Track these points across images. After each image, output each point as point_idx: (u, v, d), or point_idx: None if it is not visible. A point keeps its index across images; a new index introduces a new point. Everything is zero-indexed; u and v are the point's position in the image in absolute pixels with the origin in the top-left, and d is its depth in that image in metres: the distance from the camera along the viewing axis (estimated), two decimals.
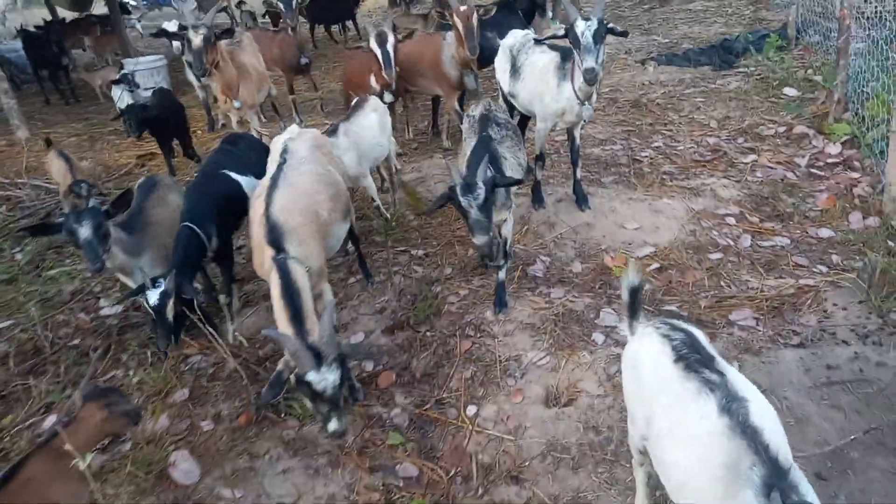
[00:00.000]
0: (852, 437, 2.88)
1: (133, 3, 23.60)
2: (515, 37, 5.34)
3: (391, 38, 5.92)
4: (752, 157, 5.73)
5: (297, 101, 8.73)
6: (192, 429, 3.49)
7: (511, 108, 5.48)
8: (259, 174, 4.03)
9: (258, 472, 3.15)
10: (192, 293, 3.63)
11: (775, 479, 1.70)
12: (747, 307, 3.86)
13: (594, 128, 6.86)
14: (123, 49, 13.71)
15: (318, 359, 2.67)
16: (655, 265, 4.40)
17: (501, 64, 5.38)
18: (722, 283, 4.15)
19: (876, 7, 6.91)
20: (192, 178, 5.58)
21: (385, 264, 4.79)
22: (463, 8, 5.65)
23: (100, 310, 4.76)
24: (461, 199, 3.31)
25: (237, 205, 4.10)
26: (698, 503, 1.88)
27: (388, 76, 6.01)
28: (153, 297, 3.45)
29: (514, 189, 4.05)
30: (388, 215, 5.39)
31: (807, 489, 1.72)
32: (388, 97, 6.30)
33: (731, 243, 4.56)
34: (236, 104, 6.43)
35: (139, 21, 19.45)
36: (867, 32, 6.50)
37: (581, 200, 5.12)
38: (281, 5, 7.44)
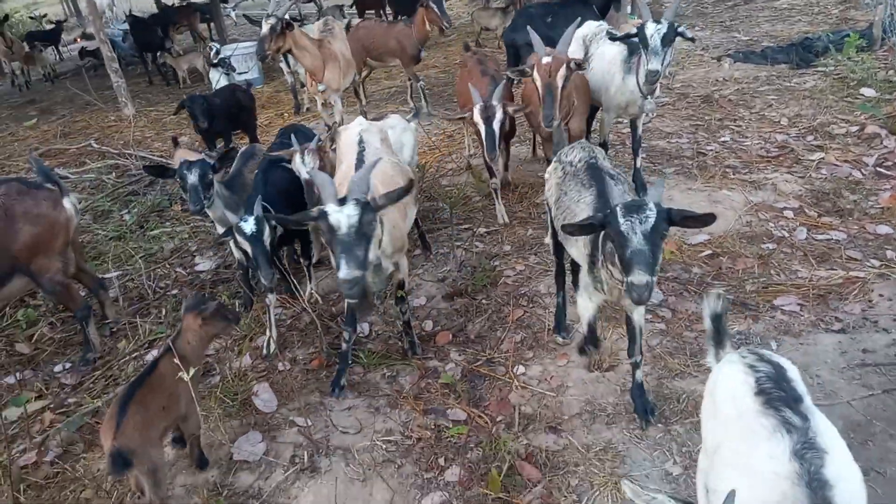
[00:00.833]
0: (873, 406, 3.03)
1: None
2: (590, 27, 5.55)
3: (499, 114, 4.64)
4: (820, 154, 5.75)
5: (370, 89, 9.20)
6: (271, 368, 3.96)
7: None
8: None
9: (326, 407, 3.59)
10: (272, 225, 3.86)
11: None
12: (793, 294, 4.00)
13: (662, 121, 6.99)
14: (220, 36, 14.64)
15: (343, 200, 2.91)
16: (707, 252, 4.57)
17: (574, 53, 5.61)
18: (772, 272, 4.29)
19: None
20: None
21: (449, 239, 5.16)
22: (547, 60, 4.18)
23: (195, 266, 5.35)
24: (622, 220, 2.47)
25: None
26: None
27: (489, 157, 4.84)
28: (249, 226, 3.73)
29: None
30: None
31: None
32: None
33: (787, 235, 4.67)
34: (320, 87, 6.96)
35: (233, 10, 20.53)
36: None
37: (640, 188, 5.32)
38: (434, 6, 7.56)
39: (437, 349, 4.00)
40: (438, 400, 3.58)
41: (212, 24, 15.66)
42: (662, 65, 4.41)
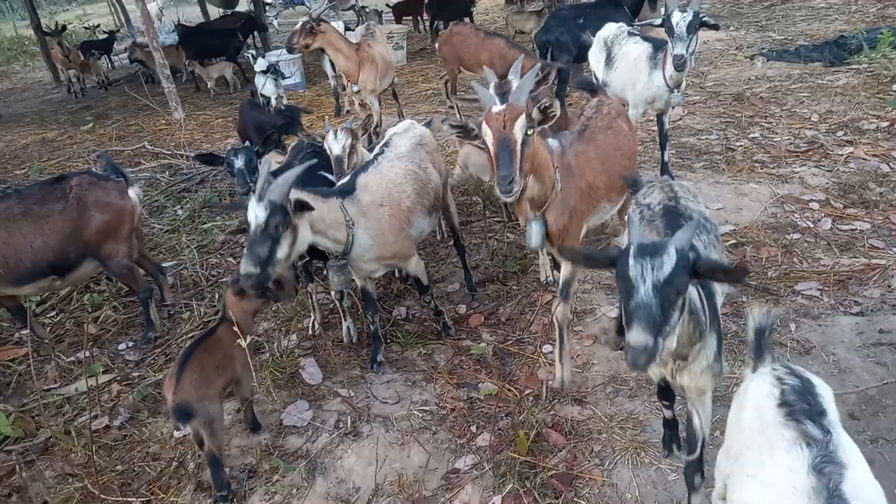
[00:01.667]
0: (884, 382, 3.18)
1: (269, 1, 25.64)
2: (610, 29, 5.79)
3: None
4: (849, 149, 5.84)
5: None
6: (316, 346, 4.27)
7: None
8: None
9: (367, 380, 3.88)
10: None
11: None
12: (814, 280, 4.14)
13: (692, 118, 7.13)
14: (263, 44, 15.18)
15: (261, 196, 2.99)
16: (732, 241, 4.72)
17: (596, 54, 5.85)
18: (794, 260, 4.43)
19: None
20: None
21: (482, 230, 5.41)
22: (499, 109, 2.87)
23: None
24: (631, 261, 2.01)
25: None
26: None
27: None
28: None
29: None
30: None
31: None
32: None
33: (811, 225, 4.79)
34: (354, 87, 7.30)
35: (276, 18, 21.22)
36: None
37: None
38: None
39: (469, 330, 4.25)
40: (471, 375, 3.83)
41: (254, 33, 16.19)
42: (687, 51, 4.63)
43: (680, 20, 4.63)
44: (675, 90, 5.04)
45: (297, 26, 6.55)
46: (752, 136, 6.51)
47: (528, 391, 3.63)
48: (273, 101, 9.15)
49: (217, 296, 5.03)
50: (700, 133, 6.77)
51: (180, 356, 3.13)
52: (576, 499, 2.94)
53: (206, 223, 6.44)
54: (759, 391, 2.09)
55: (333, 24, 9.16)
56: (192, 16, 21.38)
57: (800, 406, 1.93)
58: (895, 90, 6.79)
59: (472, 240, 5.34)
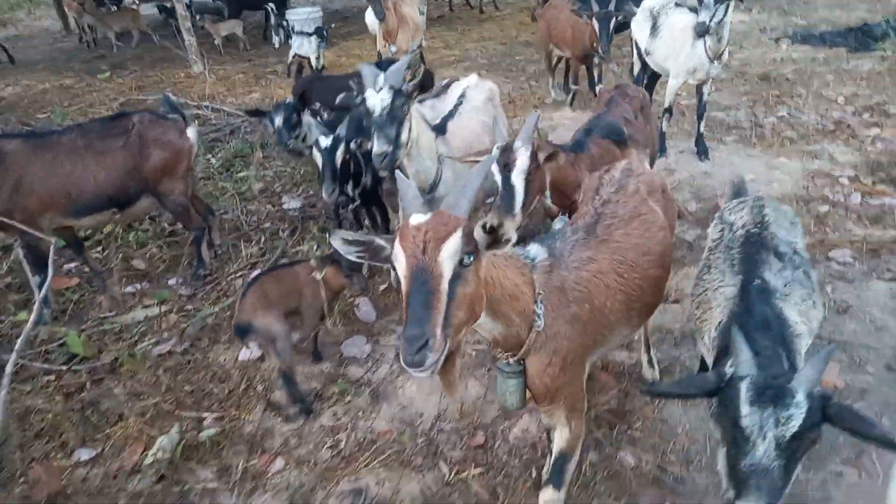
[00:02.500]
0: None
1: None
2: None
3: (524, 158, 3.17)
4: (876, 130, 6.01)
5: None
6: (366, 288, 4.42)
7: (644, 66, 6.05)
8: None
9: None
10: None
11: None
12: (847, 248, 4.33)
13: (720, 95, 7.27)
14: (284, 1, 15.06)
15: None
16: None
17: (640, 23, 5.94)
18: (826, 230, 4.62)
19: None
20: None
21: None
22: (419, 221, 1.70)
23: (282, 203, 5.83)
24: (745, 408, 1.59)
25: None
26: None
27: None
28: (326, 141, 4.19)
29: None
30: None
31: None
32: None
33: (842, 199, 4.98)
34: (392, 48, 7.36)
35: None
36: None
37: (702, 151, 5.65)
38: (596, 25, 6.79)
39: None
40: None
41: None
42: (711, 20, 4.75)
43: None
44: (716, 61, 5.17)
45: None
46: (779, 114, 6.67)
47: None
48: (313, 62, 9.21)
49: (263, 239, 5.15)
50: (728, 109, 6.92)
51: (248, 281, 3.29)
52: (629, 430, 3.14)
53: (241, 171, 6.53)
54: None
55: None
56: None
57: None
58: None
59: None
